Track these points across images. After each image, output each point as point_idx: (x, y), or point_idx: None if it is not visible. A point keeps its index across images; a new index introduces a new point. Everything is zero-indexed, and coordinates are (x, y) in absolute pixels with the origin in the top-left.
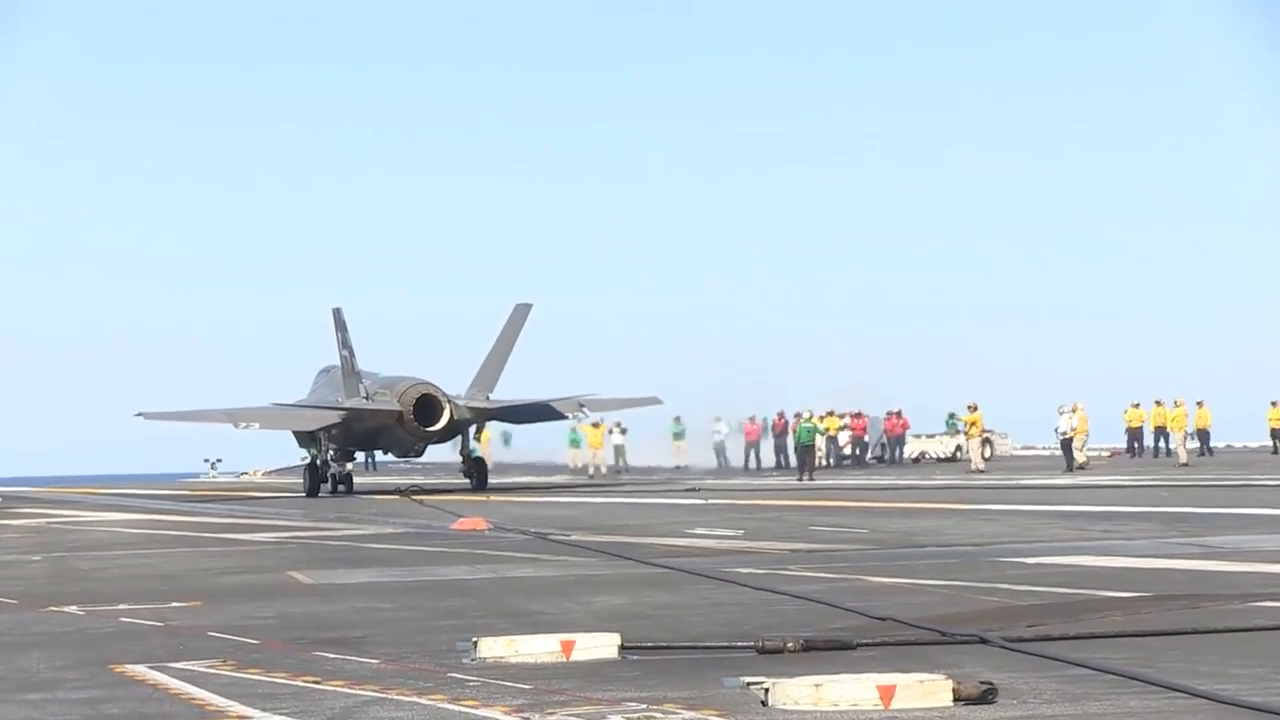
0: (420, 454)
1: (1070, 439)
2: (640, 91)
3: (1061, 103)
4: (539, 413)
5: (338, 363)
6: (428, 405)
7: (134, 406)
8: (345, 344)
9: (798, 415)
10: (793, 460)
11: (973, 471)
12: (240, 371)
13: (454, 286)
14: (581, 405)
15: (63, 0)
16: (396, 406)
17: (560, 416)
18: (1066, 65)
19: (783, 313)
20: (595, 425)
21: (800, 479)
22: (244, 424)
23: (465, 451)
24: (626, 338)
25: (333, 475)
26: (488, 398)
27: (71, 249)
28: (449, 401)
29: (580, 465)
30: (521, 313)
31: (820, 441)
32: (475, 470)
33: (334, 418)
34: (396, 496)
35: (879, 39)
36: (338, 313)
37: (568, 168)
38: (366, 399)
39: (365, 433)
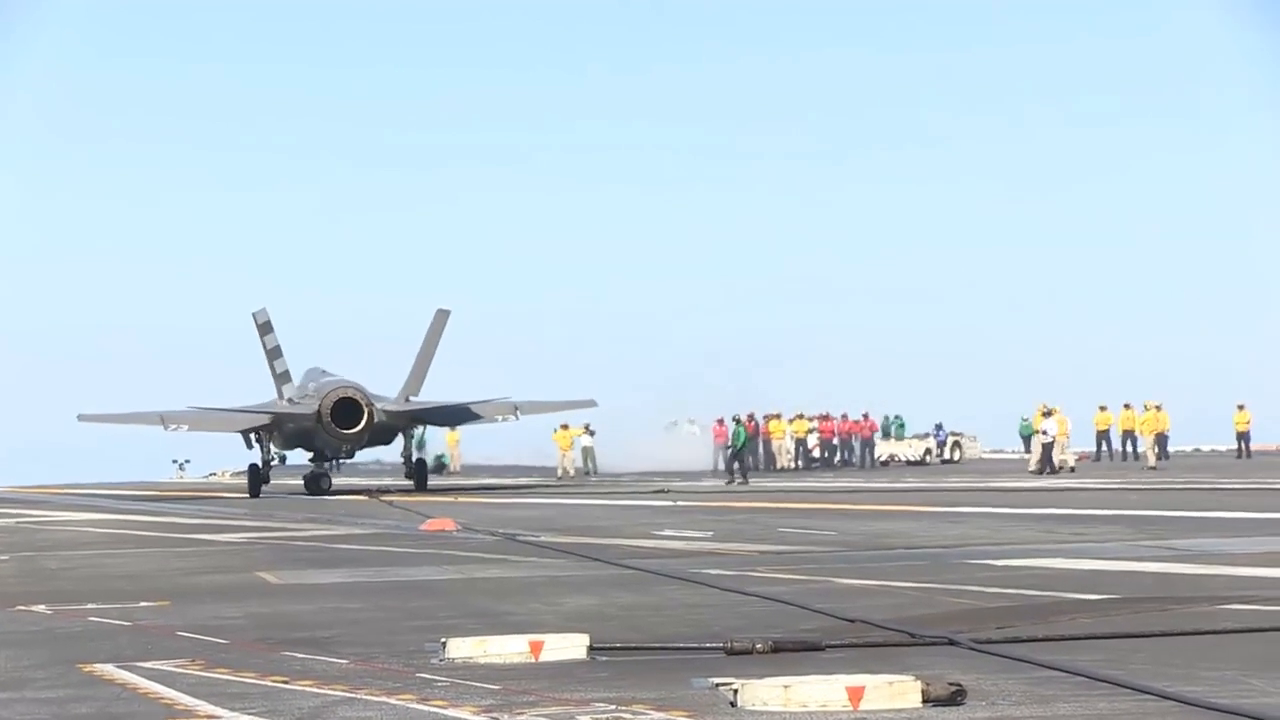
0: (350, 455)
1: (1052, 442)
2: (603, 91)
3: (1037, 107)
4: (459, 415)
5: (318, 365)
6: (346, 408)
7: (83, 408)
8: (269, 346)
9: (735, 419)
10: (765, 462)
11: (1152, 468)
12: (202, 369)
13: (428, 288)
14: (516, 408)
15: None
16: (316, 409)
17: (478, 418)
18: (1040, 72)
19: (749, 314)
20: (564, 428)
21: (731, 482)
22: (173, 426)
23: (407, 453)
24: (626, 339)
25: (313, 475)
26: (407, 399)
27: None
28: (369, 405)
29: (575, 469)
30: (441, 318)
31: (789, 444)
32: (416, 471)
33: (262, 419)
34: (365, 498)
35: (853, 40)
36: (260, 314)
37: (546, 167)
38: (290, 401)
39: (294, 434)
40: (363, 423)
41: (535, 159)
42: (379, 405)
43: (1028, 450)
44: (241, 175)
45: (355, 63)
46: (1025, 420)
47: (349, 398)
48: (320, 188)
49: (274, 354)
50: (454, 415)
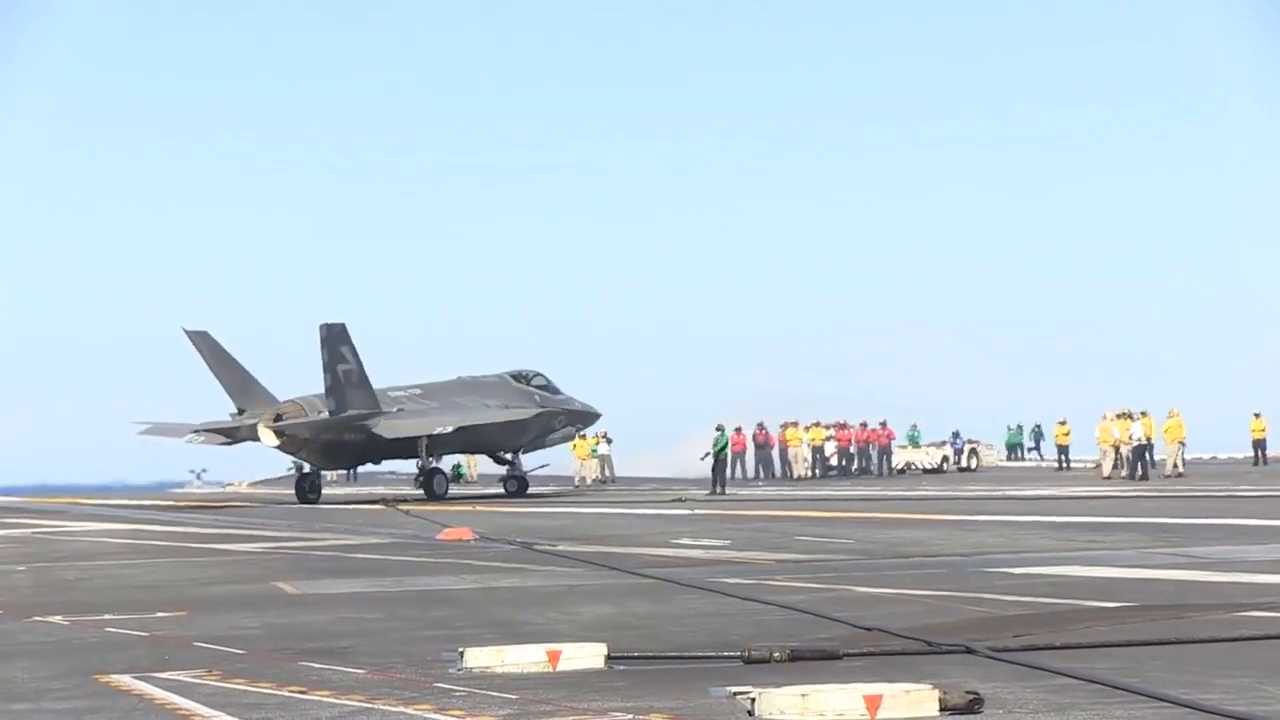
0: (325, 468)
1: (1144, 446)
2: (624, 96)
3: (1050, 112)
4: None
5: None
6: (278, 420)
7: (128, 414)
8: (211, 365)
9: (718, 427)
10: (781, 470)
11: (1169, 476)
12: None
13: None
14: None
15: None
16: (253, 422)
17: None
18: (1050, 78)
19: (765, 319)
20: (582, 436)
21: (713, 492)
22: (187, 438)
23: (422, 464)
24: (637, 347)
25: (512, 477)
26: (319, 412)
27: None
28: (292, 419)
29: (593, 477)
30: (322, 330)
31: (805, 452)
32: (425, 481)
33: (222, 431)
34: (382, 506)
35: (861, 44)
36: (202, 336)
37: (561, 176)
38: (240, 413)
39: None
40: (283, 436)
41: (547, 173)
42: (306, 420)
43: (1010, 458)
44: (266, 188)
45: (372, 82)
46: (1011, 429)
47: (278, 413)
48: (345, 205)
49: (214, 371)
50: (367, 423)
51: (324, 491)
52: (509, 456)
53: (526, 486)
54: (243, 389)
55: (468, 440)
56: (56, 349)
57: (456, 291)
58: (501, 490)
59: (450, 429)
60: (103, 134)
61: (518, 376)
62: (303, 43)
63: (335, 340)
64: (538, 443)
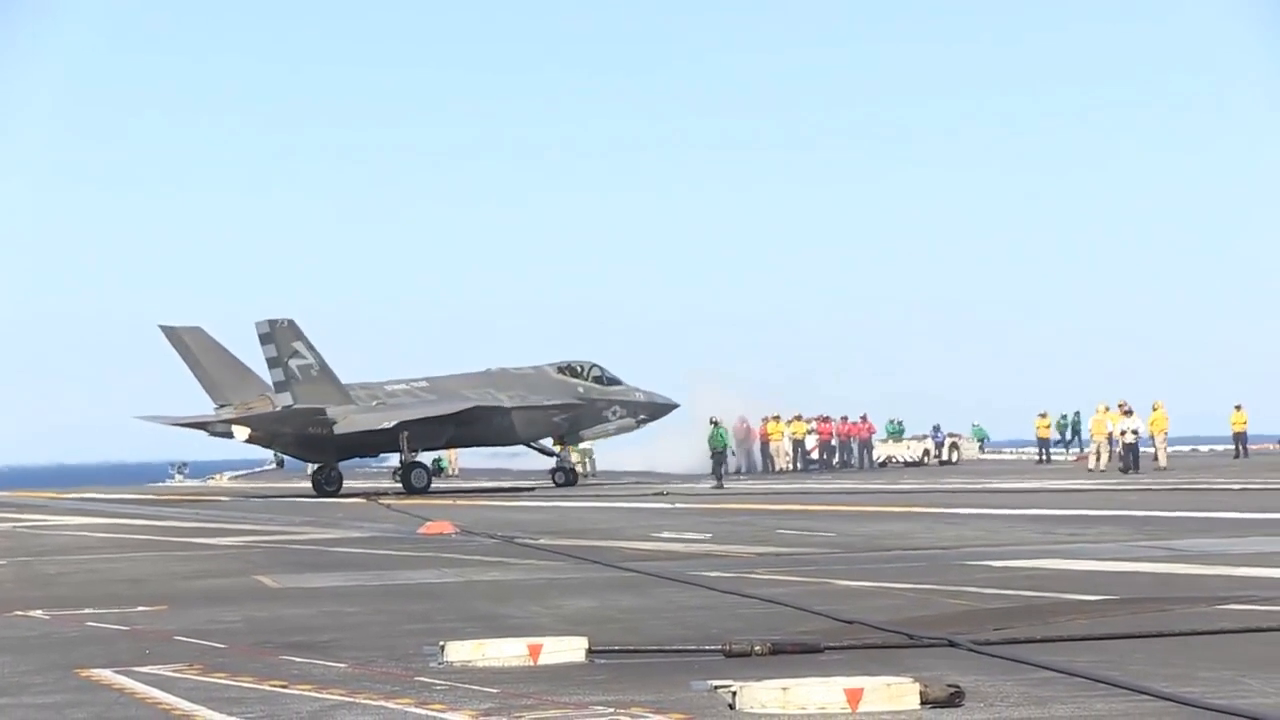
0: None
1: (1136, 442)
2: (622, 91)
3: (1039, 113)
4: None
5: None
6: (244, 418)
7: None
8: (201, 359)
9: (712, 420)
10: (763, 464)
11: (1159, 469)
12: None
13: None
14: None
15: None
16: (227, 417)
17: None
18: (1042, 80)
19: (750, 312)
20: None
21: (715, 485)
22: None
23: (403, 459)
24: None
25: (559, 469)
26: (273, 406)
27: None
28: (257, 415)
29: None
30: (270, 328)
31: (787, 446)
32: (403, 475)
33: (202, 424)
34: (363, 501)
35: (858, 35)
36: (193, 332)
37: (555, 167)
38: (221, 407)
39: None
40: (247, 433)
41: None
42: (261, 414)
43: (980, 452)
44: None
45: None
46: (976, 425)
47: (251, 406)
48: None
49: (195, 367)
50: (308, 417)
51: (301, 485)
52: (554, 448)
53: (576, 478)
54: (237, 383)
55: (457, 434)
56: (54, 341)
57: (456, 290)
58: (490, 485)
59: (392, 424)
60: (102, 132)
61: (564, 368)
62: (317, 27)
63: (285, 336)
64: (572, 436)
